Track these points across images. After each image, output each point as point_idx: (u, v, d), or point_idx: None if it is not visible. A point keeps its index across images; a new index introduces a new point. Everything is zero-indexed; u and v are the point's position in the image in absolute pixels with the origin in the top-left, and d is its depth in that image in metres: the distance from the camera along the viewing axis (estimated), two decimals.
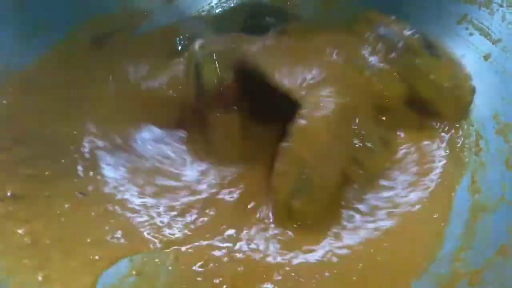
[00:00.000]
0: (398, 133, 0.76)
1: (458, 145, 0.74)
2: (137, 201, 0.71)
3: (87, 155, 0.75)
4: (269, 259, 0.64)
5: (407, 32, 0.75)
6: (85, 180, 0.72)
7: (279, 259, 0.64)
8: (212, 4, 0.94)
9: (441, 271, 0.58)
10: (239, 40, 0.77)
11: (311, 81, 0.69)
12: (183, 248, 0.65)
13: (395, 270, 0.62)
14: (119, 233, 0.67)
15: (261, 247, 0.65)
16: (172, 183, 0.72)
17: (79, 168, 0.73)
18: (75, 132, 0.77)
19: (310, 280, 0.61)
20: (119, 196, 0.71)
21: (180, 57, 0.79)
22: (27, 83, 0.78)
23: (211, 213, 0.69)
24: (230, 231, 0.67)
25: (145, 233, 0.66)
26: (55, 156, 0.73)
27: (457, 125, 0.75)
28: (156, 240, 0.66)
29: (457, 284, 0.55)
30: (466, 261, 0.57)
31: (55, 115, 0.77)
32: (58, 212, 0.67)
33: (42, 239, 0.63)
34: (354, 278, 0.62)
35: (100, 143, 0.77)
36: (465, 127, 0.75)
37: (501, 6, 0.74)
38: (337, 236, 0.66)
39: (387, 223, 0.67)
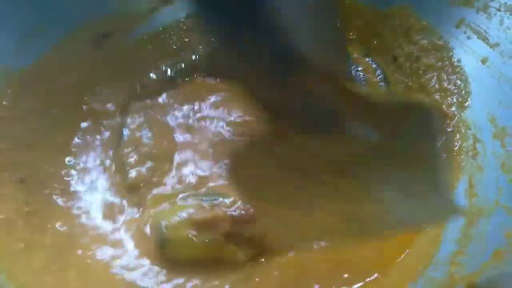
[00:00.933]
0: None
1: (455, 148, 0.75)
2: None
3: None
4: None
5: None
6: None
7: None
8: None
9: (437, 275, 0.59)
10: None
11: None
12: None
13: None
14: None
15: None
16: None
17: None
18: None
19: None
20: None
21: None
22: (27, 84, 0.78)
23: None
24: None
25: None
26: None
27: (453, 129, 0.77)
28: None
29: None
30: (462, 266, 0.58)
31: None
32: None
33: None
34: (346, 275, 0.63)
35: None
36: (462, 130, 0.75)
37: (498, 10, 0.75)
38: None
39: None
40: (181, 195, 0.69)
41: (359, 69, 0.83)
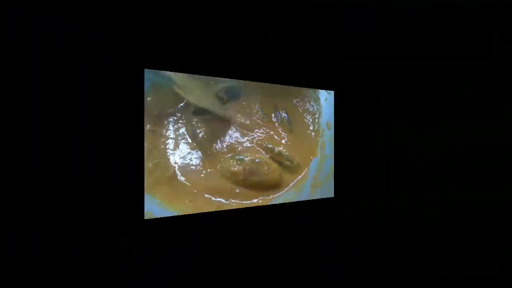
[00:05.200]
0: None
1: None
2: None
3: None
4: None
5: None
6: None
7: None
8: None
9: None
10: None
11: None
12: None
13: None
14: None
15: None
16: None
17: None
18: None
19: None
20: None
21: None
22: None
23: None
24: None
25: None
26: None
27: None
28: None
29: None
30: None
31: None
32: None
33: None
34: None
35: None
36: None
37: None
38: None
39: None
40: (229, 155, 1.63)
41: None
